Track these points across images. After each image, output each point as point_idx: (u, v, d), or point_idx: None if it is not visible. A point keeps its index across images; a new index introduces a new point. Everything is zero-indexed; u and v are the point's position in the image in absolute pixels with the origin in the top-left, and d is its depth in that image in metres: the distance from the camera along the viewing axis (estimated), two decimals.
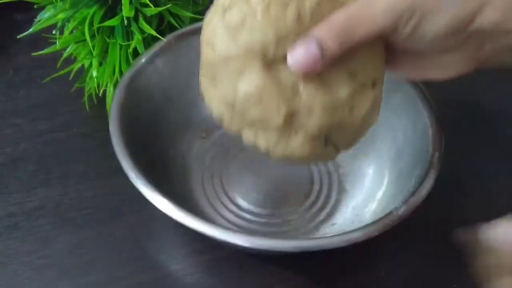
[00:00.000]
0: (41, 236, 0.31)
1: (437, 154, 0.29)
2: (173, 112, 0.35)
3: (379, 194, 0.32)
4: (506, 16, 0.21)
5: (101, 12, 0.33)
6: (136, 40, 0.33)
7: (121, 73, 0.34)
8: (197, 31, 0.35)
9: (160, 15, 0.35)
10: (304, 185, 0.35)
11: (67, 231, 0.32)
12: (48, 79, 0.36)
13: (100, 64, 0.36)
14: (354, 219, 0.31)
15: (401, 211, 0.26)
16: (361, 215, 0.31)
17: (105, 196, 0.34)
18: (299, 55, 0.21)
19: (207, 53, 0.22)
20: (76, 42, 0.35)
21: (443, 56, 0.23)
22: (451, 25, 0.21)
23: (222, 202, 0.33)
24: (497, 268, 0.23)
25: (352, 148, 0.35)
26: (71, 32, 0.34)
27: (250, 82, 0.21)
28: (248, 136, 0.22)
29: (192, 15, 0.36)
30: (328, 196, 0.34)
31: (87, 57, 0.36)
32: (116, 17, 0.33)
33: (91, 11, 0.33)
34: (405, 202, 0.26)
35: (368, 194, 0.33)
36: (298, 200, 0.34)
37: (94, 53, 0.34)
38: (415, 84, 0.32)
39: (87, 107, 0.37)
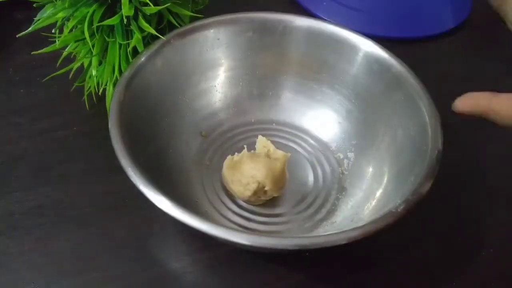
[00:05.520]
0: (41, 235, 0.32)
1: (436, 152, 0.29)
2: (173, 110, 0.35)
3: (379, 192, 0.32)
4: None
5: (101, 11, 0.33)
6: (136, 39, 0.33)
7: (120, 72, 0.35)
8: (197, 30, 0.36)
9: (159, 14, 0.35)
10: (303, 184, 0.35)
11: (67, 229, 0.32)
12: (48, 78, 0.36)
13: (100, 63, 0.36)
14: (354, 217, 0.31)
15: (400, 209, 0.26)
16: (361, 213, 0.31)
17: (105, 194, 0.34)
18: None
19: None
20: (76, 41, 0.35)
21: None
22: None
23: (221, 201, 0.34)
24: None
25: (352, 147, 0.36)
26: (71, 31, 0.34)
27: None
28: None
29: (191, 13, 0.36)
30: (328, 194, 0.34)
31: (86, 56, 0.36)
32: (116, 16, 0.33)
33: (91, 10, 0.33)
34: (404, 200, 0.26)
35: (367, 193, 0.33)
36: (297, 198, 0.34)
37: (94, 52, 0.34)
38: (414, 82, 0.32)
39: (87, 106, 0.37)
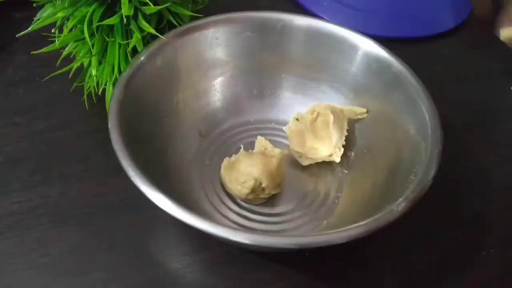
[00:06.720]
0: (41, 235, 0.31)
1: (436, 150, 0.29)
2: (172, 110, 0.35)
3: (378, 191, 0.32)
4: None
5: (100, 11, 0.33)
6: (135, 39, 0.33)
7: (120, 71, 0.34)
8: (195, 29, 0.36)
9: (159, 14, 0.35)
10: (303, 183, 0.35)
11: (67, 230, 0.32)
12: (47, 77, 0.36)
13: (100, 62, 0.36)
14: (354, 216, 0.31)
15: (400, 208, 0.26)
16: (360, 212, 0.31)
17: (105, 194, 0.34)
18: None
19: None
20: (75, 41, 0.35)
21: None
22: None
23: (221, 201, 0.34)
24: None
25: (352, 145, 0.36)
26: (70, 30, 0.34)
27: None
28: None
29: (191, 13, 0.36)
30: (327, 193, 0.34)
31: (86, 55, 0.36)
32: (115, 16, 0.33)
33: (90, 9, 0.33)
34: (404, 199, 0.26)
35: (367, 191, 0.33)
36: (297, 197, 0.34)
37: (93, 51, 0.34)
38: (414, 81, 0.32)
39: (86, 106, 0.37)
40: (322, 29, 0.36)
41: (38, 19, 0.34)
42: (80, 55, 0.36)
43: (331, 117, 0.34)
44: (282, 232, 0.32)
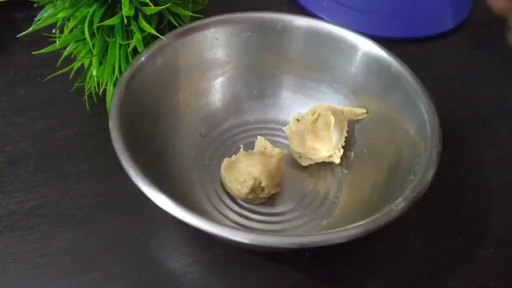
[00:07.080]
0: (41, 235, 0.32)
1: (435, 150, 0.29)
2: (172, 110, 0.35)
3: (378, 190, 0.32)
4: None
5: (101, 11, 0.33)
6: (136, 39, 0.33)
7: (120, 72, 0.35)
8: (195, 30, 0.36)
9: (159, 14, 0.35)
10: (303, 183, 0.35)
11: (68, 229, 0.32)
12: (48, 78, 0.36)
13: (100, 63, 0.36)
14: (353, 215, 0.31)
15: (400, 207, 0.26)
16: (360, 211, 0.31)
17: (105, 194, 0.34)
18: None
19: None
20: (76, 41, 0.35)
21: None
22: None
23: (222, 200, 0.34)
24: None
25: (351, 145, 0.36)
26: (71, 31, 0.34)
27: None
28: None
29: (191, 14, 0.36)
30: (327, 193, 0.34)
31: (87, 56, 0.36)
32: (116, 16, 0.33)
33: (91, 10, 0.33)
34: (404, 198, 0.26)
35: (367, 191, 0.33)
36: (297, 197, 0.34)
37: (94, 52, 0.35)
38: (413, 81, 0.32)
39: (87, 106, 0.37)
40: (322, 30, 0.36)
41: (39, 20, 0.35)
42: (81, 55, 0.36)
43: (332, 118, 0.34)
44: (282, 232, 0.32)
